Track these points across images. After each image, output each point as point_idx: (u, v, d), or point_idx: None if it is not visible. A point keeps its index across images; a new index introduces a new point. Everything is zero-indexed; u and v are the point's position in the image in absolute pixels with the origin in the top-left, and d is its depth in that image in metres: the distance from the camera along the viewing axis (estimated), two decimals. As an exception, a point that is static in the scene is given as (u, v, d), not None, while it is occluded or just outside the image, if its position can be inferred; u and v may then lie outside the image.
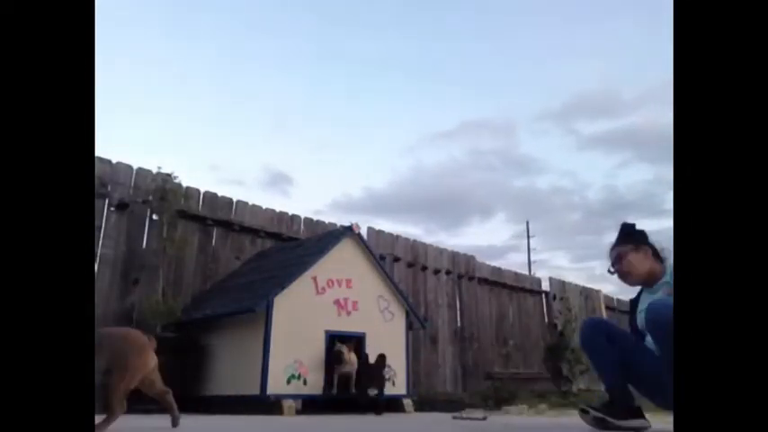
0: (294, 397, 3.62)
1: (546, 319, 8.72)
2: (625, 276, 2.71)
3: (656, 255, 2.69)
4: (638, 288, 2.76)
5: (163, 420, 2.91)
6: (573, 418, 3.58)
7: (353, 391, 3.91)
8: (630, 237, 2.72)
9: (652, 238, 2.74)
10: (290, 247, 4.94)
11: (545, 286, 8.99)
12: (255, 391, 3.56)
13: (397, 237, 6.79)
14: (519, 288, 8.43)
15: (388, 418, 3.45)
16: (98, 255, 4.25)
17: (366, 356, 3.98)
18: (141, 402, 3.64)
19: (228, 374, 3.90)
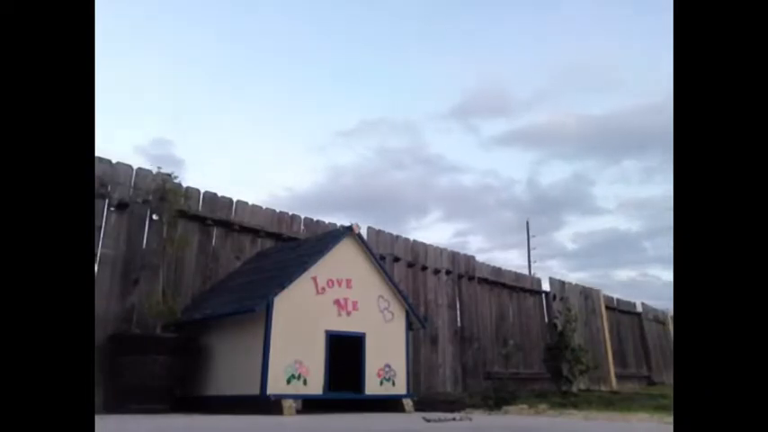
0: (294, 397, 3.62)
1: (546, 319, 8.72)
2: None
3: None
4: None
5: (163, 420, 2.92)
6: (573, 418, 3.58)
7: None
8: None
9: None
10: (290, 247, 4.94)
11: (545, 286, 9.00)
12: (255, 391, 3.56)
13: (397, 237, 6.79)
14: (519, 288, 8.43)
15: (385, 418, 3.46)
16: (98, 255, 4.25)
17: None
18: (142, 402, 3.66)
19: (228, 374, 3.90)
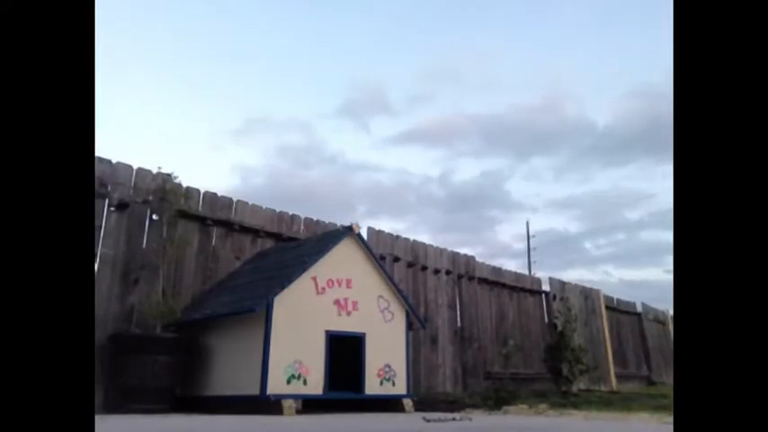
0: (294, 397, 3.62)
1: (546, 319, 8.72)
2: None
3: None
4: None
5: (163, 421, 2.92)
6: (573, 418, 3.58)
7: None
8: None
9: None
10: (290, 247, 4.94)
11: (545, 286, 9.00)
12: (255, 391, 3.56)
13: (397, 237, 6.79)
14: (519, 288, 8.43)
15: (385, 418, 3.46)
16: (98, 255, 4.25)
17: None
18: (142, 402, 3.66)
19: (228, 374, 3.90)
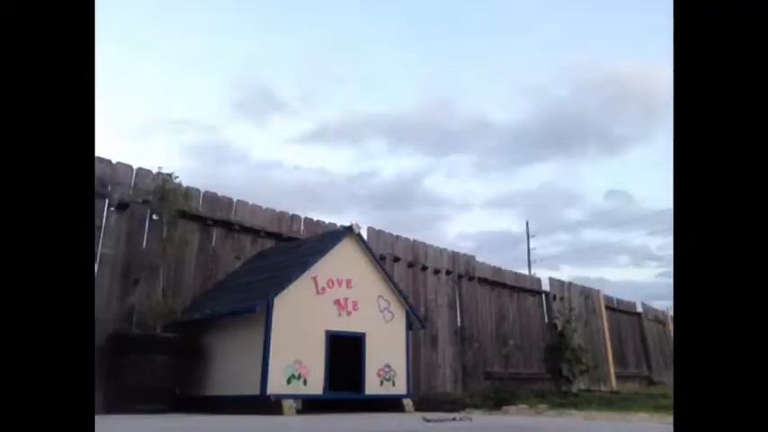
0: (294, 397, 3.62)
1: (546, 319, 8.72)
2: None
3: None
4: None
5: (163, 421, 2.92)
6: (573, 419, 3.58)
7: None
8: None
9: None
10: (290, 247, 4.94)
11: (545, 286, 9.00)
12: (255, 391, 3.56)
13: (397, 237, 6.79)
14: (519, 288, 8.43)
15: (385, 418, 3.46)
16: (98, 255, 4.25)
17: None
18: (142, 402, 3.66)
19: (228, 374, 3.90)
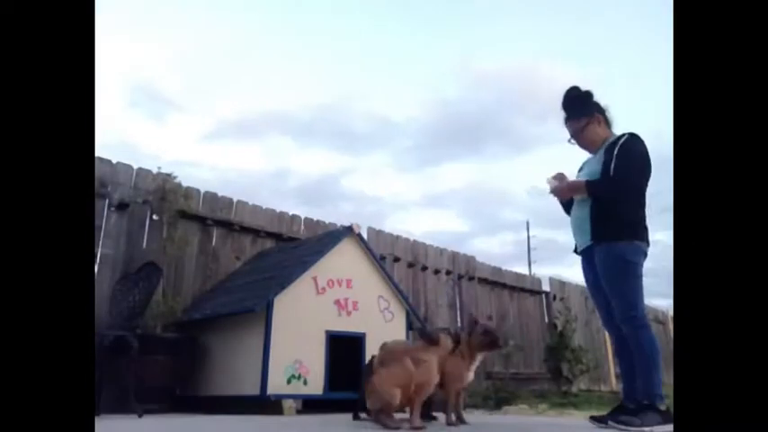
0: (294, 397, 3.62)
1: (546, 319, 8.72)
2: (588, 147, 2.91)
3: (606, 120, 2.92)
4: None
5: (163, 421, 2.92)
6: (573, 419, 3.58)
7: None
8: (584, 106, 2.90)
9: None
10: (290, 247, 4.94)
11: (545, 286, 8.99)
12: (255, 391, 3.56)
13: (397, 237, 6.79)
14: (519, 288, 8.42)
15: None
16: (98, 255, 4.25)
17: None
18: (142, 403, 3.65)
19: (228, 374, 3.90)
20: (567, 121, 2.93)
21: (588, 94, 2.91)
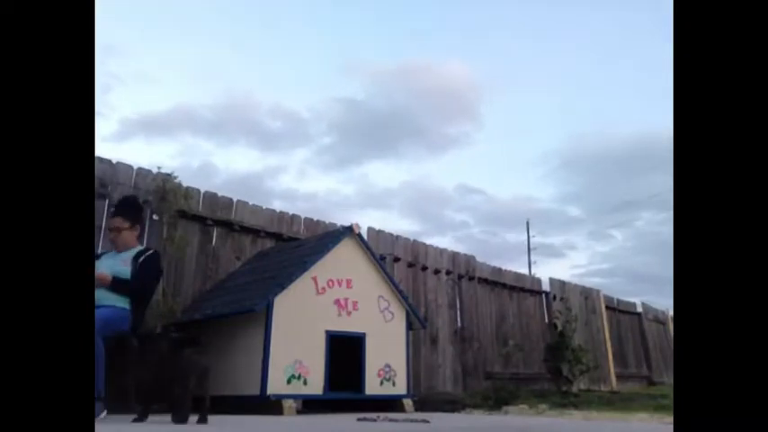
0: (294, 397, 3.62)
1: (546, 319, 8.72)
2: (117, 243, 3.63)
3: (142, 232, 3.85)
4: None
5: (163, 420, 2.91)
6: (573, 419, 3.58)
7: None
8: (135, 214, 3.72)
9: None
10: (290, 247, 4.94)
11: (545, 286, 8.99)
12: (255, 391, 3.56)
13: (397, 237, 6.79)
14: (519, 288, 8.42)
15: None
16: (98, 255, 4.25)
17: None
18: (142, 403, 3.64)
19: (228, 374, 3.89)
20: (115, 216, 3.69)
21: (140, 207, 3.86)
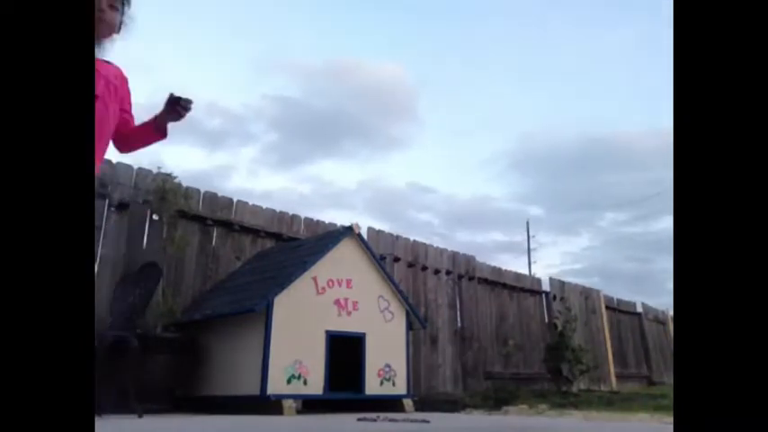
0: (294, 397, 3.62)
1: (546, 319, 8.72)
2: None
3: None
4: None
5: (163, 421, 2.92)
6: (573, 418, 3.58)
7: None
8: None
9: None
10: (290, 247, 4.94)
11: (545, 286, 8.99)
12: (255, 391, 3.56)
13: (397, 237, 6.79)
14: (519, 288, 8.43)
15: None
16: (98, 255, 4.25)
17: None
18: (142, 403, 3.66)
19: (228, 374, 3.90)
20: None
21: None
